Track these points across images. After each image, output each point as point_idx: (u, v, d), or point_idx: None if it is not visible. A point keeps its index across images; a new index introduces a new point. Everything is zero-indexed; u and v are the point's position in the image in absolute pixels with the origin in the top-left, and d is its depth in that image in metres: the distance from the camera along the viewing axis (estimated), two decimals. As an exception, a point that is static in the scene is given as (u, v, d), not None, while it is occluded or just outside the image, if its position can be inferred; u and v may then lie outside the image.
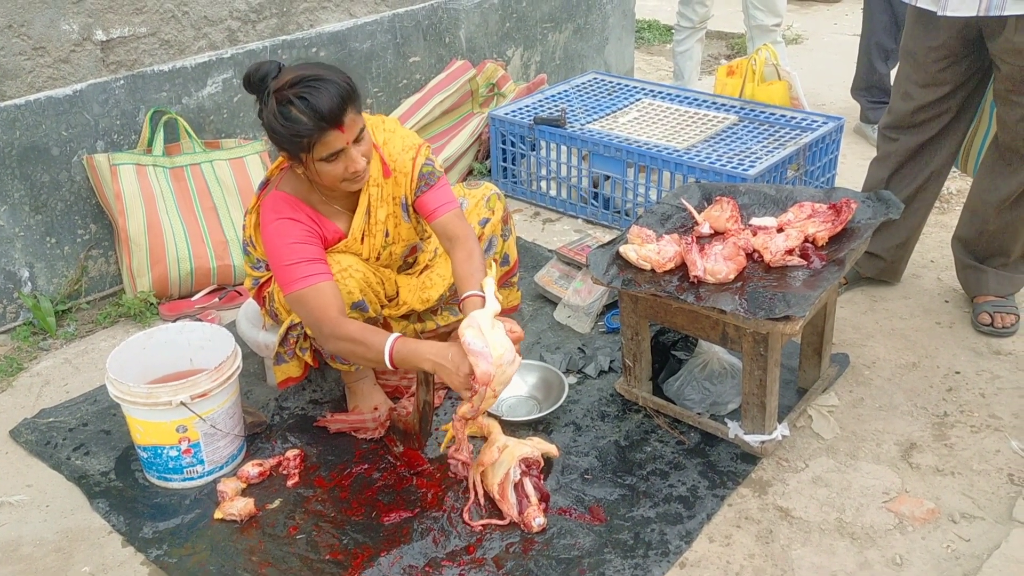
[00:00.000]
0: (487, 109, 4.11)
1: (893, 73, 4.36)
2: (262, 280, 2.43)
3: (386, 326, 2.53)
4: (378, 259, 2.38)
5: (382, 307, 2.40)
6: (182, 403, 2.16)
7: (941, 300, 3.03)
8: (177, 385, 2.17)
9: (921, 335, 2.84)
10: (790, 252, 2.28)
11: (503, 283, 2.77)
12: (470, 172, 4.09)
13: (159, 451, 2.24)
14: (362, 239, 2.32)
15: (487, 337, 1.99)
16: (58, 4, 2.92)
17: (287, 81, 2.02)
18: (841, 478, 2.27)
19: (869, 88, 4.41)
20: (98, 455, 2.43)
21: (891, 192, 2.53)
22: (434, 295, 2.52)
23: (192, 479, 2.29)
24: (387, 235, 2.35)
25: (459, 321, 2.65)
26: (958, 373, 2.66)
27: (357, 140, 2.10)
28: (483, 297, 2.14)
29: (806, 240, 2.33)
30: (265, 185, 2.31)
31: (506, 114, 3.88)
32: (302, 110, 1.99)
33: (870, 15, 4.33)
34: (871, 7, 4.31)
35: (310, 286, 2.14)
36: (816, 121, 3.65)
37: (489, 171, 4.04)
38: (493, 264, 2.22)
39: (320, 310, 2.13)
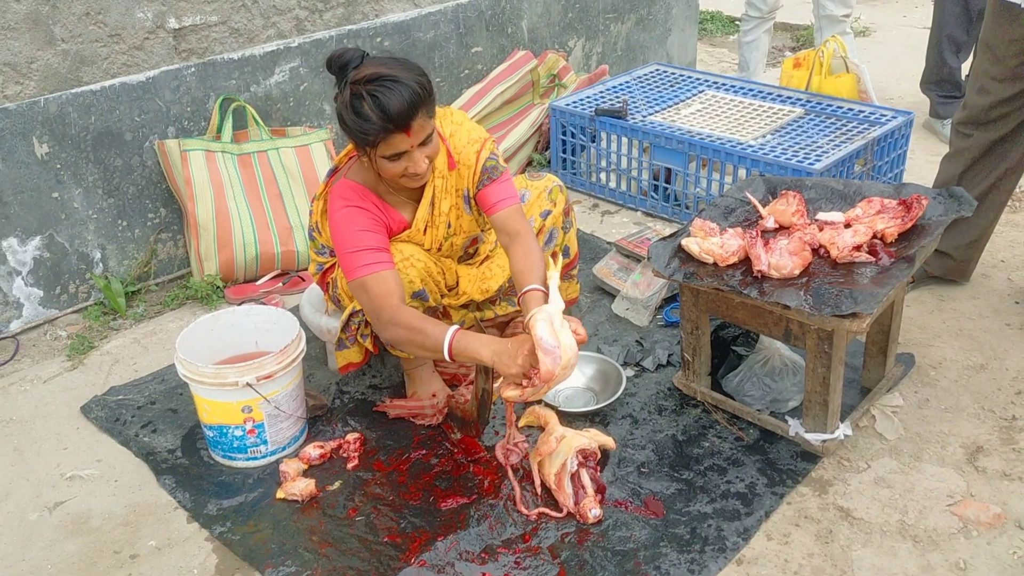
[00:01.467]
0: (548, 100, 4.10)
1: (964, 67, 4.25)
2: (326, 266, 2.47)
3: (445, 315, 2.55)
4: (439, 249, 2.40)
5: (442, 296, 2.42)
6: (248, 384, 2.21)
7: (1011, 301, 2.95)
8: (244, 366, 2.22)
9: (990, 336, 2.77)
10: (858, 248, 2.24)
11: (563, 276, 2.77)
12: (530, 163, 4.10)
13: (224, 430, 2.29)
14: (425, 230, 2.34)
15: (559, 336, 1.98)
16: (133, -8, 3.00)
17: (364, 76, 2.03)
18: (904, 479, 2.23)
19: (940, 82, 4.30)
20: (165, 433, 2.50)
21: (963, 189, 2.47)
22: (493, 286, 2.53)
23: (256, 459, 2.34)
24: (449, 226, 2.37)
25: (517, 312, 2.68)
26: (1029, 376, 2.59)
27: (423, 143, 2.11)
28: (544, 292, 2.13)
29: (874, 236, 2.29)
30: (333, 173, 2.34)
31: (567, 105, 3.88)
32: (372, 108, 2.01)
33: (941, 7, 4.21)
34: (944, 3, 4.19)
35: (373, 273, 2.16)
36: (885, 115, 3.57)
37: (549, 162, 4.04)
38: (559, 257, 2.21)
39: (381, 297, 2.15)
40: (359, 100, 2.02)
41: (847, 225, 2.33)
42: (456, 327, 2.10)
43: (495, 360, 2.04)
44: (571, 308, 2.93)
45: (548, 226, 2.58)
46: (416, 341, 2.13)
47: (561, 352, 1.95)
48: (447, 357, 2.08)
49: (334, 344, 2.50)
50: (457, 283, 2.48)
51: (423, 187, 2.31)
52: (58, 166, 2.94)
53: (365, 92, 2.01)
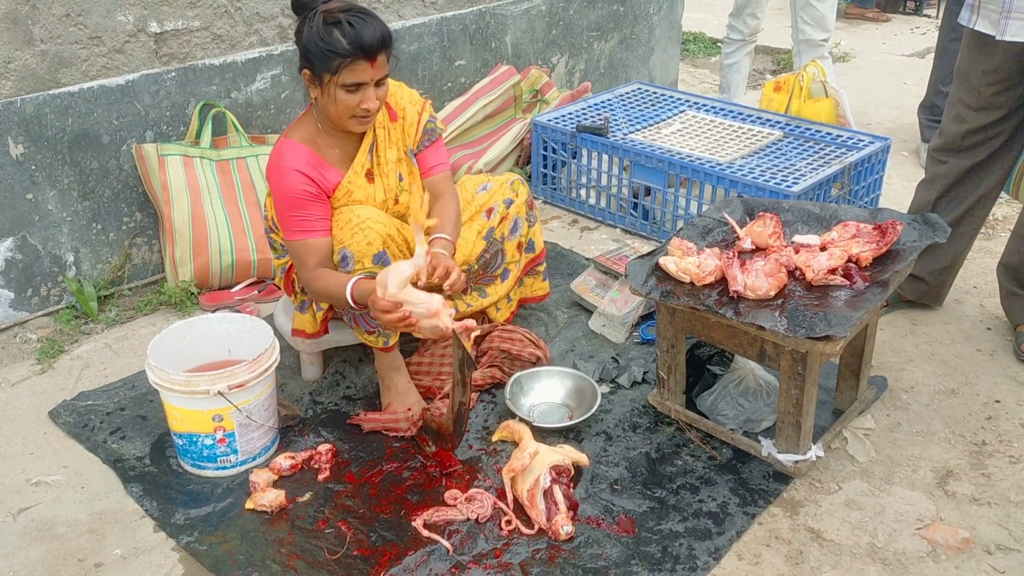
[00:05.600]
0: (530, 115, 4.11)
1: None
2: (288, 266, 2.48)
3: None
4: (396, 203, 2.46)
5: None
6: (219, 393, 2.18)
7: (983, 327, 2.98)
8: (215, 375, 2.20)
9: (962, 361, 2.80)
10: (833, 271, 2.26)
11: (530, 272, 2.80)
12: (510, 177, 4.10)
13: (194, 439, 2.27)
14: (369, 177, 2.39)
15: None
16: (116, -5, 2.97)
17: (338, 6, 2.17)
18: (875, 502, 2.25)
19: (932, 107, 4.33)
20: (134, 440, 2.46)
21: (938, 215, 2.50)
22: (459, 258, 2.55)
23: (225, 468, 2.31)
24: (401, 179, 2.45)
25: (491, 304, 2.71)
26: (998, 402, 2.62)
27: (379, 83, 2.23)
28: (449, 240, 2.34)
29: (849, 260, 2.31)
30: None
31: (549, 121, 3.89)
32: (346, 33, 2.14)
33: (944, 33, 4.22)
34: (952, 25, 4.12)
35: (304, 238, 2.30)
36: (863, 140, 3.61)
37: (529, 177, 4.04)
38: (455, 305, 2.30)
39: (305, 263, 2.31)
40: (332, 26, 2.15)
41: (823, 248, 2.35)
42: (357, 277, 2.23)
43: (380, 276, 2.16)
44: (548, 326, 2.94)
45: (512, 214, 2.66)
46: (325, 286, 2.29)
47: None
48: (350, 300, 2.23)
49: (296, 305, 2.51)
50: None
51: (362, 140, 2.39)
52: (33, 167, 2.90)
53: (341, 18, 2.14)
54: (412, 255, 2.41)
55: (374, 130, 2.40)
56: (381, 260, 2.31)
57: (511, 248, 2.70)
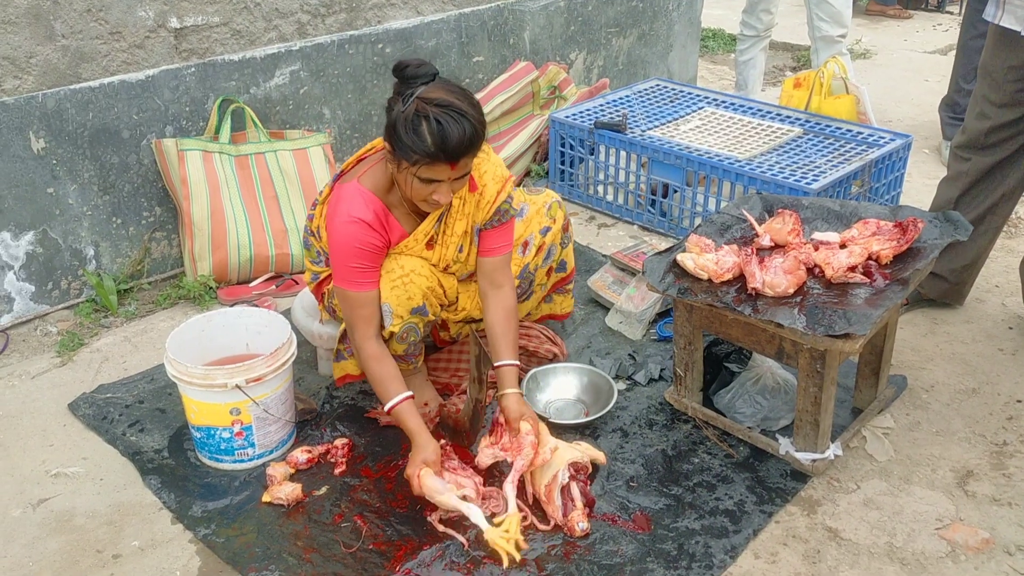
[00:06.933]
0: (548, 111, 4.11)
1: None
2: (322, 276, 2.45)
3: (444, 327, 2.56)
4: (446, 269, 2.39)
5: (441, 308, 2.41)
6: (237, 386, 2.19)
7: (1005, 326, 2.95)
8: (233, 368, 2.20)
9: (983, 361, 2.77)
10: (852, 269, 2.24)
11: (557, 289, 2.77)
12: (527, 173, 4.09)
13: (212, 432, 2.28)
14: (430, 244, 2.32)
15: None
16: (136, -10, 2.99)
17: (434, 98, 2.04)
18: (893, 502, 2.23)
19: (953, 104, 4.28)
20: (152, 432, 2.48)
21: (960, 213, 2.47)
22: None
23: (242, 461, 2.32)
24: (461, 250, 2.37)
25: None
26: (1020, 402, 2.59)
27: (459, 179, 2.13)
28: (520, 368, 2.30)
29: (869, 257, 2.29)
30: (339, 177, 2.31)
31: (567, 117, 3.88)
32: (432, 132, 2.01)
33: (965, 31, 4.17)
34: (973, 22, 4.08)
35: (359, 291, 2.22)
36: (883, 138, 3.58)
37: (547, 173, 4.04)
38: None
39: (360, 319, 2.24)
40: (422, 119, 2.02)
41: (842, 245, 2.33)
42: (407, 394, 2.20)
43: (414, 451, 2.17)
44: (564, 322, 2.93)
45: (548, 243, 2.59)
46: (372, 376, 2.25)
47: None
48: (385, 409, 2.23)
49: (332, 355, 2.49)
50: (457, 299, 2.47)
51: None
52: (54, 162, 2.93)
53: (432, 114, 2.01)
54: (448, 301, 2.41)
55: None
56: (419, 312, 2.30)
57: (540, 274, 2.65)
